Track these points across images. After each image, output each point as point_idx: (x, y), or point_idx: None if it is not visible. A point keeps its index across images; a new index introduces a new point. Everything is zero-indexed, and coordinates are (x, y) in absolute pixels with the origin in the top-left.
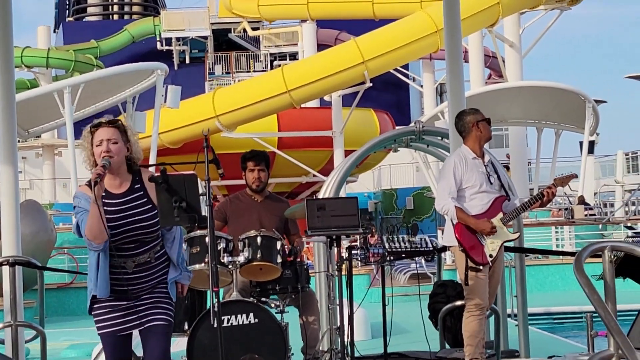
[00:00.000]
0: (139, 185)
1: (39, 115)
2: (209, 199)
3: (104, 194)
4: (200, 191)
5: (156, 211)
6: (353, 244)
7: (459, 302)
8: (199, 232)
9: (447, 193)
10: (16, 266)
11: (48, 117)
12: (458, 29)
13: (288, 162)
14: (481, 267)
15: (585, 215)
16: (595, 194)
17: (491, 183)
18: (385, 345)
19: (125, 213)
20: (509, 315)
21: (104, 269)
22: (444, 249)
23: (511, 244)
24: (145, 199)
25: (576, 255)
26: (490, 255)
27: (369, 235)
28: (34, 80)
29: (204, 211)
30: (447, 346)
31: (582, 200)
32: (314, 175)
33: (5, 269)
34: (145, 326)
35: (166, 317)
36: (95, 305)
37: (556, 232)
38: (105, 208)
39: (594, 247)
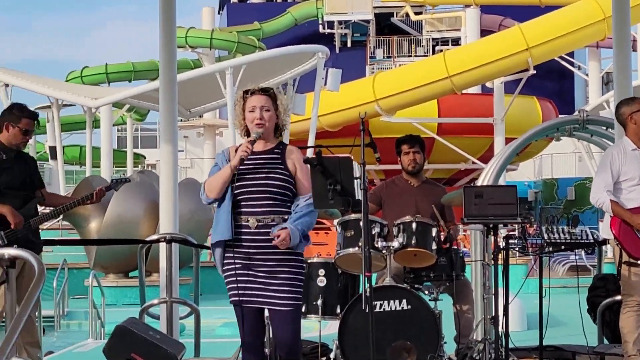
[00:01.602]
0: (279, 151)
1: (201, 95)
2: (363, 183)
3: None
4: (356, 174)
5: (287, 177)
6: (511, 233)
7: (618, 297)
8: (353, 216)
9: (603, 186)
10: (172, 243)
11: (210, 98)
12: (627, 16)
13: (447, 148)
14: (639, 262)
15: None
16: None
17: None
18: (541, 338)
19: (258, 169)
20: None
21: (226, 212)
22: (605, 241)
23: None
24: (280, 163)
25: None
26: None
27: (527, 225)
28: (197, 60)
29: (359, 195)
30: (606, 341)
31: None
32: (473, 163)
33: (162, 246)
34: (270, 307)
35: (291, 303)
36: (226, 274)
37: None
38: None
39: None
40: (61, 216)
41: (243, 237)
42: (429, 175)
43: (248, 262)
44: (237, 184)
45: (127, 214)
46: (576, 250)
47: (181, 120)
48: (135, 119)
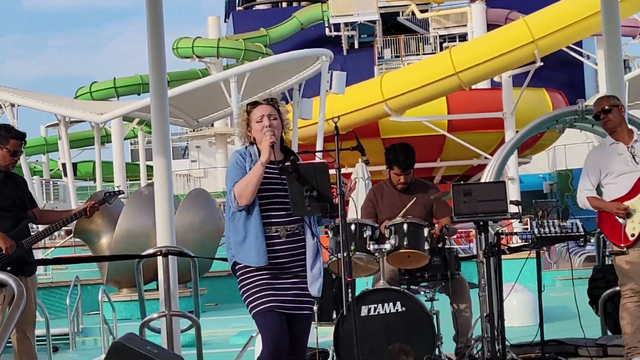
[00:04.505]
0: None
1: (208, 104)
2: (339, 188)
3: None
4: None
5: None
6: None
7: (618, 287)
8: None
9: (583, 189)
10: (169, 256)
11: (216, 107)
12: (615, 4)
13: (459, 145)
14: (625, 249)
15: None
16: None
17: (637, 163)
18: (542, 333)
19: (278, 179)
20: None
21: (257, 236)
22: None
23: None
24: None
25: None
26: (632, 235)
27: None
28: (205, 70)
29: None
30: (609, 333)
31: None
32: (486, 158)
33: (160, 260)
34: (293, 312)
35: (311, 307)
36: (250, 280)
37: None
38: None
39: None
40: (72, 233)
41: (275, 247)
42: (441, 173)
43: (277, 272)
44: (263, 193)
45: (138, 228)
46: (569, 242)
47: (192, 131)
48: (147, 132)
